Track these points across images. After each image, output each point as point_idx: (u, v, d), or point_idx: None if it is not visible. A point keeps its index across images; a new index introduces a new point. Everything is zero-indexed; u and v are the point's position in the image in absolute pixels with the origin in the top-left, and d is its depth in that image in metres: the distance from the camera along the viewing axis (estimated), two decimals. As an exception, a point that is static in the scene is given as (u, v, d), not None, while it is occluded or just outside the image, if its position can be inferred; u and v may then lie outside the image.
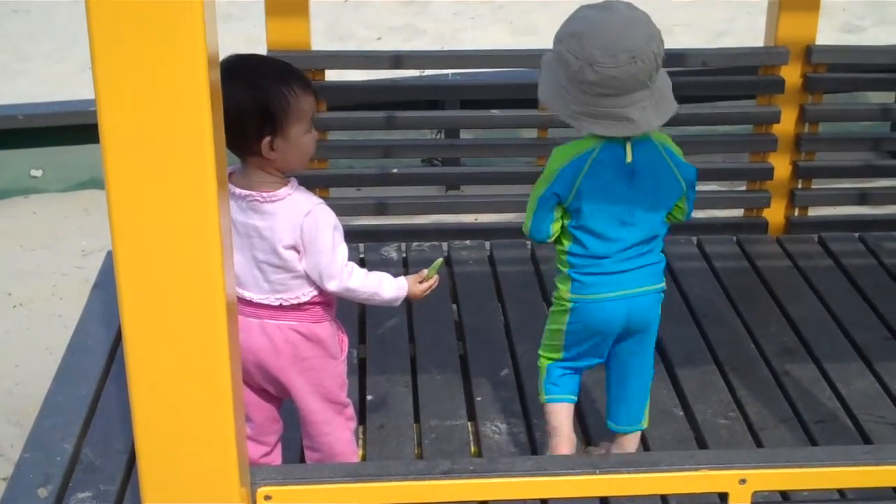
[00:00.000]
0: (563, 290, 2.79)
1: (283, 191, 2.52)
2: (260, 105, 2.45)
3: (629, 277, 2.75)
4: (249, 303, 2.59)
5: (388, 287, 2.67)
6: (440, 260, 2.77)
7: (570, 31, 2.58)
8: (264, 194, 2.51)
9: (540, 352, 2.93)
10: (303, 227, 2.52)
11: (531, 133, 4.25)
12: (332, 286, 2.58)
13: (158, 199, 1.76)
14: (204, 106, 1.70)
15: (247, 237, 2.54)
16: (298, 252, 2.54)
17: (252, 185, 2.52)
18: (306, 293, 2.59)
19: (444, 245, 4.18)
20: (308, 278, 2.58)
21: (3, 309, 4.74)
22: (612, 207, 2.67)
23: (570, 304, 2.78)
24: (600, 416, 3.08)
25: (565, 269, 2.76)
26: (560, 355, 2.87)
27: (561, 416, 2.89)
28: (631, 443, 2.96)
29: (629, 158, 2.64)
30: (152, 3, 1.63)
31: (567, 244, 2.74)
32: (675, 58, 4.31)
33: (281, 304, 2.58)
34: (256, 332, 2.59)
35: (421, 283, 2.73)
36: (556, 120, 2.78)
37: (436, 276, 2.75)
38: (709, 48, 4.61)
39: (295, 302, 2.59)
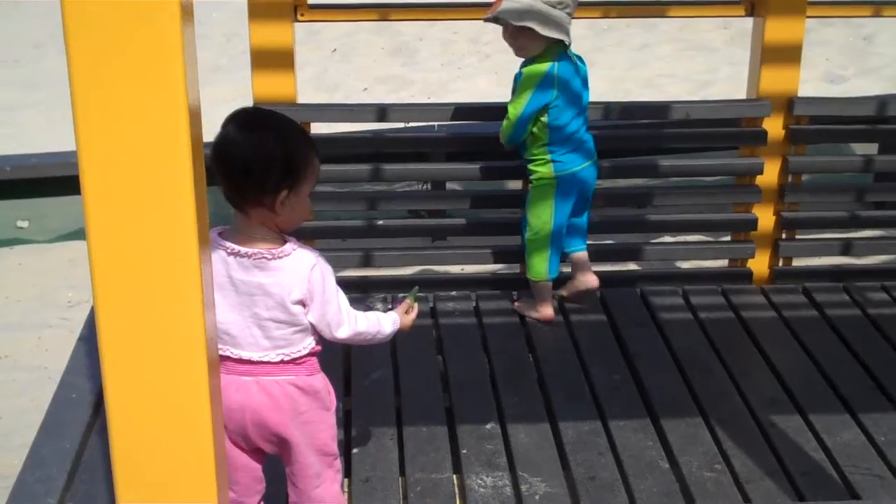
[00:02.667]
0: (546, 171, 3.82)
1: (289, 246, 2.54)
2: (287, 157, 2.50)
3: (586, 152, 3.87)
4: (244, 361, 2.59)
5: (386, 322, 2.78)
6: (416, 287, 2.93)
7: None
8: (272, 251, 2.52)
9: (527, 237, 3.92)
10: (311, 280, 2.54)
11: (516, 184, 4.26)
12: (341, 333, 2.64)
13: (140, 253, 1.78)
14: (185, 161, 1.72)
15: (248, 295, 2.54)
16: (305, 305, 2.56)
17: (254, 242, 2.53)
18: (306, 346, 2.62)
19: (430, 296, 4.19)
20: (309, 331, 2.60)
21: (-12, 361, 4.73)
22: (573, 103, 3.77)
23: (552, 178, 3.81)
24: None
25: (546, 156, 3.80)
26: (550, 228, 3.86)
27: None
28: (584, 258, 4.06)
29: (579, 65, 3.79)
30: (134, 57, 1.65)
31: (545, 136, 3.78)
32: (659, 110, 4.37)
33: (282, 360, 2.59)
34: (254, 389, 2.60)
35: (407, 312, 2.86)
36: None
37: (416, 304, 2.91)
38: (691, 101, 4.64)
39: (296, 356, 2.61)
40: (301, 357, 2.63)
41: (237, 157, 2.45)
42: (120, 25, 1.65)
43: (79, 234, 5.69)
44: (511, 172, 4.27)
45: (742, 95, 4.39)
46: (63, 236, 5.71)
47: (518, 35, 3.70)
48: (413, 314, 2.89)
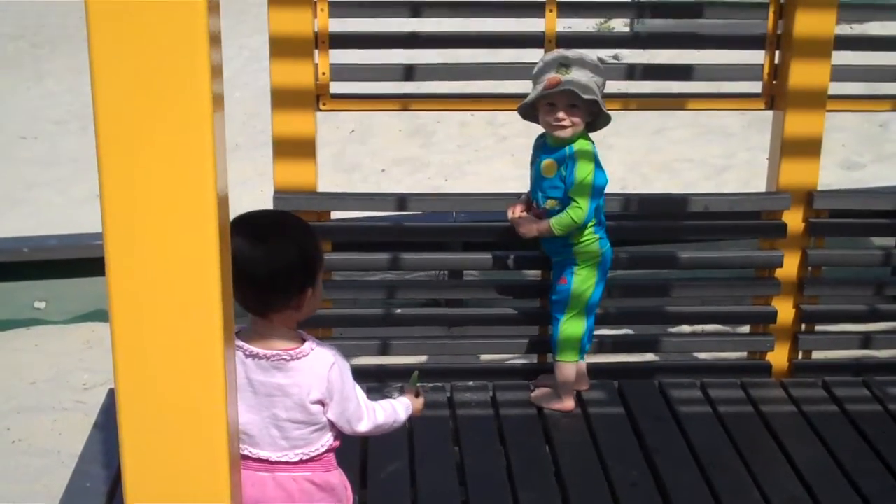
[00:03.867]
0: (595, 249, 3.87)
1: (307, 346, 2.55)
2: (305, 258, 2.54)
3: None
4: (262, 460, 2.58)
5: (400, 410, 2.80)
6: (416, 373, 2.98)
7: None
8: (291, 352, 2.53)
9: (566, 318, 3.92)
10: (329, 380, 2.54)
11: (535, 274, 4.26)
12: (362, 428, 2.66)
13: (163, 341, 1.77)
14: (212, 249, 1.72)
15: (267, 396, 2.54)
16: (324, 405, 2.56)
17: (272, 343, 2.54)
18: (324, 443, 2.62)
19: (447, 386, 4.17)
20: (328, 428, 2.61)
21: (2, 444, 4.70)
22: None
23: (599, 253, 3.87)
24: None
25: (594, 235, 3.85)
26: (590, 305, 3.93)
27: None
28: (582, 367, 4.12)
29: None
30: (164, 145, 1.67)
31: (594, 216, 3.80)
32: (677, 202, 4.37)
33: (301, 459, 2.59)
34: (270, 485, 2.59)
35: (417, 396, 2.90)
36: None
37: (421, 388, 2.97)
38: (711, 193, 4.64)
39: (314, 454, 2.60)
40: (319, 454, 2.63)
41: (259, 273, 2.45)
42: (151, 111, 1.67)
43: (96, 315, 5.70)
44: (529, 262, 4.26)
45: (759, 181, 4.41)
46: (80, 318, 5.72)
47: (572, 112, 3.71)
48: (422, 398, 2.92)
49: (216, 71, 1.69)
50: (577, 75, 3.66)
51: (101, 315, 5.69)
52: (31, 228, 7.32)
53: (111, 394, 4.13)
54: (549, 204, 3.84)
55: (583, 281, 3.89)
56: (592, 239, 3.86)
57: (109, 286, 1.72)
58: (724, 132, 9.68)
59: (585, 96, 3.64)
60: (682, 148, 9.30)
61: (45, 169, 9.39)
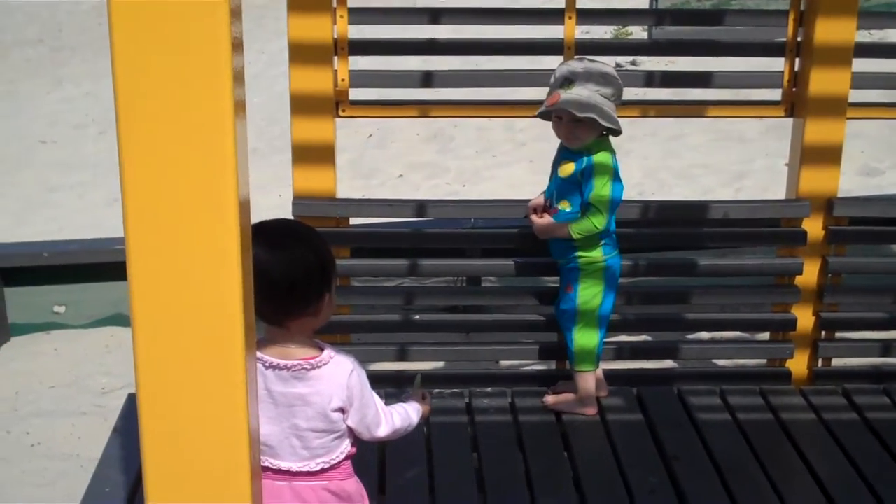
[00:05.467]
0: (597, 255, 3.87)
1: (326, 354, 2.55)
2: (321, 263, 2.55)
3: (616, 242, 3.94)
4: (283, 471, 2.59)
5: (413, 413, 2.83)
6: (419, 376, 3.07)
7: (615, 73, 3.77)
8: (311, 361, 2.53)
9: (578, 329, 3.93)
10: (349, 387, 2.55)
11: (553, 281, 4.26)
12: (381, 432, 2.68)
13: (184, 347, 1.78)
14: (234, 255, 1.72)
15: (287, 407, 2.54)
16: (345, 412, 2.56)
17: (291, 353, 2.53)
18: (343, 451, 2.63)
19: (466, 392, 4.16)
20: (347, 436, 2.61)
21: (21, 448, 4.72)
22: None
23: (604, 263, 3.88)
24: None
25: (598, 242, 3.85)
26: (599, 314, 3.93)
27: None
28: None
29: None
30: (185, 152, 1.67)
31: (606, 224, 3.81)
32: (697, 209, 4.36)
33: (322, 469, 2.59)
34: (287, 494, 2.59)
35: (424, 398, 2.94)
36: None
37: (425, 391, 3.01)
38: (730, 200, 4.63)
39: (334, 462, 2.60)
40: (338, 462, 2.63)
41: (278, 279, 2.45)
42: (173, 116, 1.67)
43: (114, 320, 5.72)
44: (547, 269, 4.25)
45: (777, 188, 4.39)
46: (99, 322, 5.73)
47: (576, 127, 3.75)
48: (428, 400, 2.96)
49: (238, 76, 1.69)
50: (578, 91, 3.70)
51: (120, 319, 5.71)
52: (52, 232, 7.36)
53: (130, 398, 4.14)
54: (562, 205, 3.88)
55: (588, 291, 3.91)
56: (597, 246, 3.88)
57: (131, 291, 1.72)
58: (742, 139, 9.66)
59: (580, 115, 3.68)
60: (700, 154, 9.29)
61: (65, 173, 9.43)
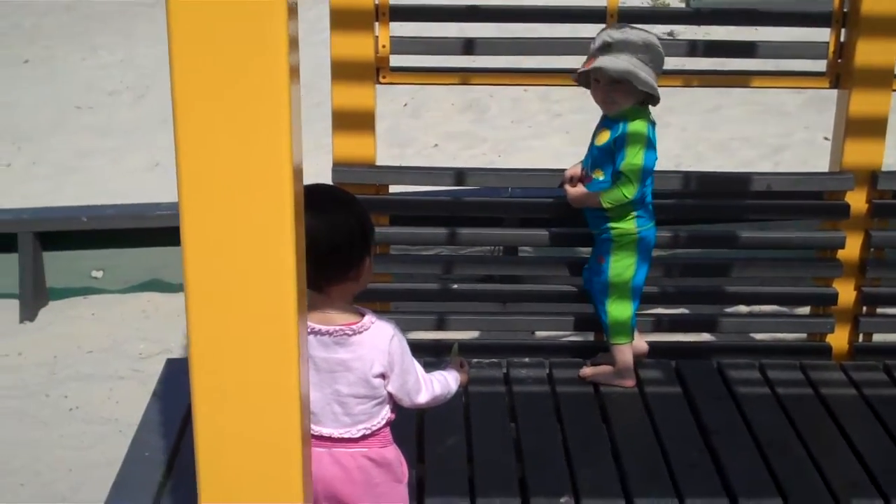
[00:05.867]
0: (630, 227, 3.83)
1: (367, 320, 2.54)
2: (362, 226, 2.56)
3: (652, 214, 3.90)
4: (324, 437, 2.59)
5: (452, 381, 2.85)
6: (456, 344, 3.08)
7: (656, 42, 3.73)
8: (353, 326, 2.52)
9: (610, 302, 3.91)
10: (390, 352, 2.55)
11: (590, 251, 4.23)
12: (421, 399, 2.68)
13: (238, 312, 1.77)
14: (287, 223, 1.71)
15: (329, 373, 2.54)
16: (385, 377, 2.56)
17: (332, 318, 2.54)
18: (383, 417, 2.63)
19: (503, 362, 4.15)
20: (387, 401, 2.60)
21: (60, 412, 4.75)
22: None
23: (637, 235, 3.84)
24: None
25: (631, 213, 3.81)
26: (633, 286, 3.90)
27: None
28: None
29: None
30: (241, 118, 1.65)
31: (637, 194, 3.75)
32: (739, 181, 4.32)
33: (363, 435, 2.58)
34: (327, 461, 2.59)
35: (462, 366, 2.95)
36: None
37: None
38: (773, 172, 4.59)
39: (375, 429, 2.60)
40: (379, 429, 2.63)
41: (322, 241, 2.44)
42: (228, 81, 1.66)
43: (151, 285, 5.73)
44: (585, 239, 4.22)
45: (817, 161, 4.35)
46: (136, 287, 5.74)
47: (612, 90, 3.72)
48: (466, 368, 2.97)
49: (293, 42, 1.68)
50: (616, 55, 3.67)
51: (157, 285, 5.72)
52: (86, 197, 7.35)
53: (169, 363, 4.16)
54: (596, 173, 3.87)
55: (620, 263, 3.89)
56: (631, 217, 3.85)
57: (185, 258, 1.71)
58: (780, 111, 9.55)
59: (615, 75, 3.66)
60: (738, 126, 9.19)
61: (99, 138, 9.42)
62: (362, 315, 2.57)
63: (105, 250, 5.74)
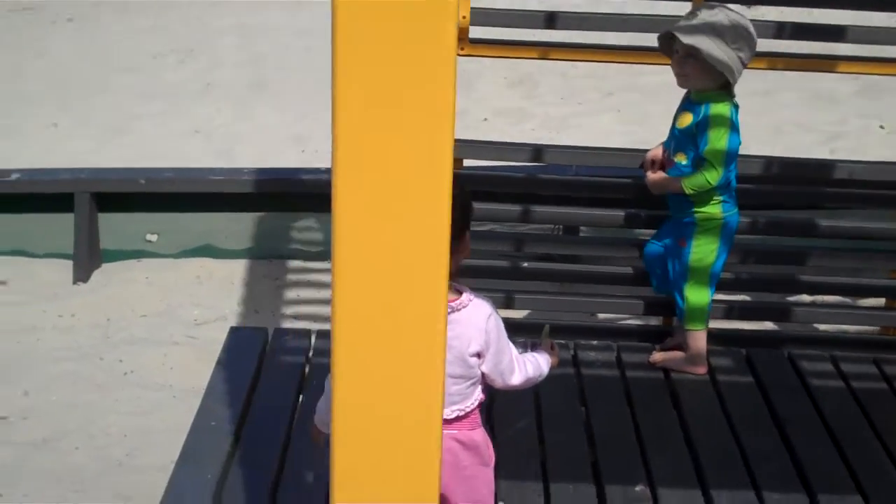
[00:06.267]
0: (716, 211, 3.74)
1: (465, 297, 2.47)
2: (464, 197, 2.48)
3: (736, 200, 3.81)
4: None
5: (543, 363, 2.76)
6: (547, 326, 2.96)
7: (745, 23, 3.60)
8: (451, 304, 2.45)
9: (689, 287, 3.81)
10: (487, 331, 2.48)
11: (649, 233, 4.14)
12: (515, 380, 2.62)
13: (385, 285, 1.74)
14: (444, 209, 1.65)
15: None
16: (481, 356, 2.48)
17: None
18: (476, 398, 2.56)
19: (571, 344, 4.08)
20: (480, 382, 2.53)
21: (114, 375, 4.69)
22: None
23: (722, 220, 3.75)
24: None
25: (718, 197, 3.72)
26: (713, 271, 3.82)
27: None
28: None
29: None
30: (406, 112, 1.60)
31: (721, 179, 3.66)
32: (825, 168, 4.23)
33: (457, 416, 2.51)
34: None
35: (553, 348, 2.86)
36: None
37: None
38: (853, 160, 4.48)
39: (468, 410, 2.53)
40: (470, 411, 2.56)
41: None
42: (392, 66, 1.61)
43: (206, 251, 5.67)
44: (652, 221, 4.14)
45: (872, 150, 4.28)
46: (190, 252, 5.67)
47: (685, 62, 3.62)
48: (556, 351, 2.88)
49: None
50: (692, 28, 3.56)
51: (210, 251, 5.65)
52: (132, 159, 7.29)
53: (234, 332, 4.10)
54: (678, 157, 3.78)
55: (703, 248, 3.79)
56: (716, 201, 3.75)
57: (334, 242, 1.65)
58: (833, 98, 9.41)
59: (684, 40, 3.54)
60: (791, 112, 9.05)
61: (144, 101, 9.36)
62: (460, 293, 2.50)
63: (160, 214, 5.67)
